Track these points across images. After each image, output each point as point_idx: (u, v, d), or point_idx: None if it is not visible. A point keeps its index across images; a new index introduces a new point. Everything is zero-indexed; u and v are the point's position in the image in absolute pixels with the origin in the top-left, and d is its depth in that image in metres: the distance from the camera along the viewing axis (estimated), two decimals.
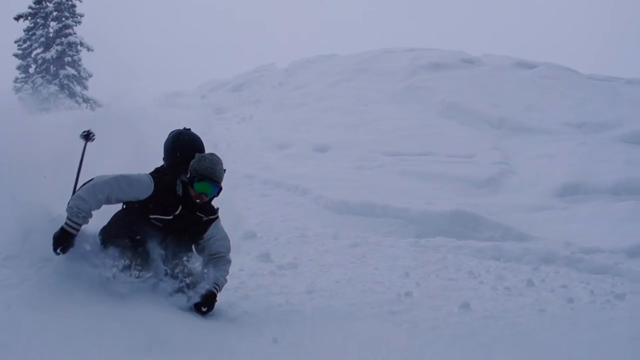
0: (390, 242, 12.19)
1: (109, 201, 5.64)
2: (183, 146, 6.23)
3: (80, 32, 36.62)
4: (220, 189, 5.91)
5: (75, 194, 5.55)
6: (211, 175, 5.78)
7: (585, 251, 12.31)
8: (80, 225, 5.44)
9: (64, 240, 5.36)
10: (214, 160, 5.84)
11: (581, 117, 23.03)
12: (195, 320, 5.72)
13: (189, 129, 6.48)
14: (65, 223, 5.39)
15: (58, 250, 5.36)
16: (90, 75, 36.38)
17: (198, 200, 5.82)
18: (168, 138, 6.34)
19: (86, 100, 35.50)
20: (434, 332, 6.42)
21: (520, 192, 17.22)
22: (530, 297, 8.35)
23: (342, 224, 14.23)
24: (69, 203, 5.49)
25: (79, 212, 5.40)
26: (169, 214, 5.77)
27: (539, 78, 27.95)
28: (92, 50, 36.54)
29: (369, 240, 12.08)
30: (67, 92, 35.36)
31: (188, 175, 5.79)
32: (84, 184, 5.57)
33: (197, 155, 5.91)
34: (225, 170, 5.96)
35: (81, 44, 36.34)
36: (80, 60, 36.34)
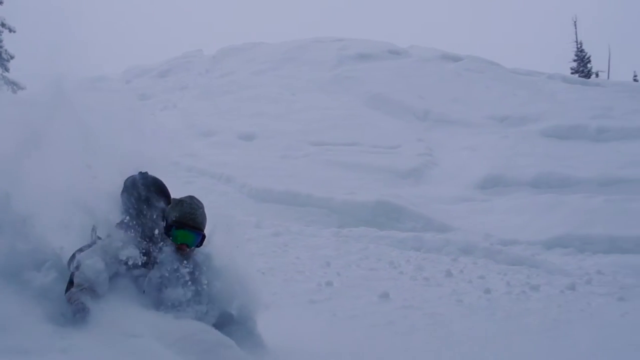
0: (312, 232, 12.23)
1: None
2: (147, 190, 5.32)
3: (2, 12, 35.61)
4: (204, 237, 4.94)
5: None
6: (191, 222, 4.86)
7: (503, 243, 12.56)
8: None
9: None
10: (194, 205, 4.98)
11: (504, 111, 23.40)
12: None
13: (146, 172, 5.43)
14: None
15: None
16: (12, 57, 35.42)
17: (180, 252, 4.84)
18: (126, 186, 5.23)
19: (7, 82, 34.58)
20: (352, 322, 6.47)
21: (442, 183, 17.45)
22: (448, 287, 8.48)
23: (265, 213, 14.21)
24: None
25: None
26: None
27: (463, 71, 28.29)
28: (14, 32, 35.58)
29: (292, 230, 12.09)
30: None
31: (164, 224, 4.92)
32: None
33: (173, 200, 5.11)
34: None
35: (2, 25, 35.38)
36: (1, 41, 35.37)
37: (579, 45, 62.15)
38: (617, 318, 7.69)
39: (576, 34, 61.71)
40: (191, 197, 5.08)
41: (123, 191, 5.21)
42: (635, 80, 63.51)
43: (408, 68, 28.31)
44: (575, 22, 59.91)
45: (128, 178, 5.25)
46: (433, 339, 6.19)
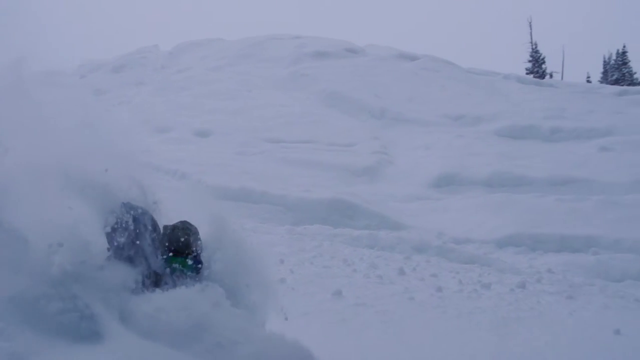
0: (267, 229, 12.22)
1: None
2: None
3: None
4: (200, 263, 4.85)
5: None
6: (183, 249, 4.75)
7: (456, 241, 12.66)
8: None
9: None
10: (187, 230, 4.87)
11: (459, 110, 23.57)
12: None
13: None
14: None
15: None
16: None
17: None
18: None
19: None
20: (305, 319, 6.47)
21: (397, 181, 17.52)
22: (400, 285, 8.53)
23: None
24: None
25: None
26: None
27: (420, 70, 28.43)
28: None
29: (246, 227, 12.02)
30: None
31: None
32: None
33: (164, 226, 4.92)
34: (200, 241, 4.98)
35: None
36: None
37: (534, 46, 62.85)
38: (566, 316, 7.82)
39: (531, 34, 62.33)
40: (184, 222, 4.97)
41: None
42: (588, 81, 64.38)
43: (365, 67, 28.38)
44: (530, 23, 60.50)
45: None
46: (385, 336, 6.24)
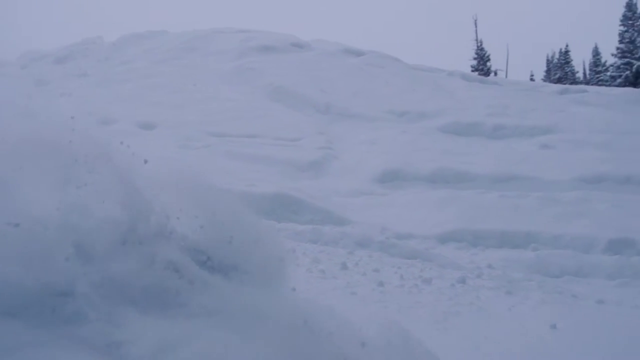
0: None
1: None
2: None
3: None
4: None
5: None
6: None
7: (399, 236, 12.74)
8: None
9: None
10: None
11: (404, 106, 23.71)
12: None
13: None
14: None
15: None
16: None
17: None
18: None
19: None
20: None
21: (342, 177, 17.57)
22: (343, 280, 8.56)
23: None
24: None
25: None
26: None
27: (365, 66, 28.56)
28: None
29: None
30: None
31: None
32: None
33: None
34: None
35: None
36: None
37: (479, 44, 63.54)
38: (505, 311, 7.93)
39: (476, 32, 63.04)
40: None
41: None
42: (532, 79, 65.25)
43: (311, 61, 28.41)
44: (475, 20, 61.17)
45: None
46: None
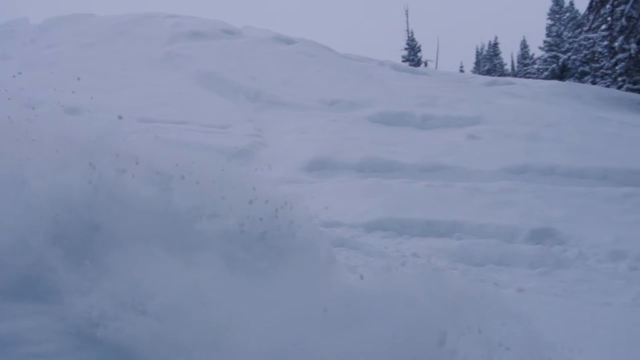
0: None
1: None
2: None
3: None
4: None
5: None
6: None
7: (326, 224, 12.72)
8: None
9: None
10: None
11: (334, 95, 23.74)
12: None
13: None
14: None
15: None
16: None
17: None
18: None
19: None
20: None
21: (271, 164, 17.51)
22: None
23: None
24: None
25: None
26: None
27: (296, 54, 28.52)
28: None
29: None
30: None
31: None
32: None
33: None
34: None
35: None
36: None
37: (410, 35, 63.99)
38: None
39: (407, 23, 63.47)
40: None
41: None
42: (461, 71, 66.05)
43: (241, 48, 28.26)
44: (407, 11, 61.62)
45: None
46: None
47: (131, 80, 23.89)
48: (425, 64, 58.10)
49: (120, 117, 6.46)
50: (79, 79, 15.15)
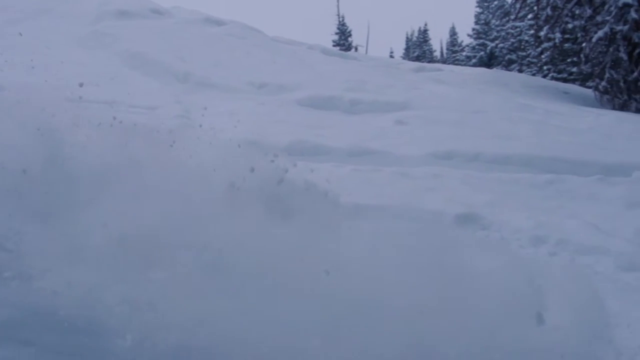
0: None
1: None
2: None
3: None
4: None
5: None
6: None
7: None
8: None
9: None
10: None
11: (263, 78, 23.66)
12: None
13: None
14: None
15: None
16: None
17: None
18: None
19: None
20: None
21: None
22: None
23: None
24: None
25: None
26: None
27: (226, 36, 28.30)
28: None
29: None
30: None
31: None
32: None
33: None
34: None
35: None
36: None
37: (340, 19, 64.15)
38: None
39: (338, 7, 63.65)
40: None
41: None
42: (391, 56, 66.50)
43: (170, 29, 27.90)
44: None
45: None
46: None
47: (56, 59, 23.34)
48: (356, 49, 58.34)
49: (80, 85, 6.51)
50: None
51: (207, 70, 23.81)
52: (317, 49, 30.03)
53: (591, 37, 32.29)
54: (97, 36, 26.42)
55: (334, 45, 59.46)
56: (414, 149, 17.45)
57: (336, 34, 63.08)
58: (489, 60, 56.17)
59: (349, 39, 62.96)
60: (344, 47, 58.13)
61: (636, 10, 30.37)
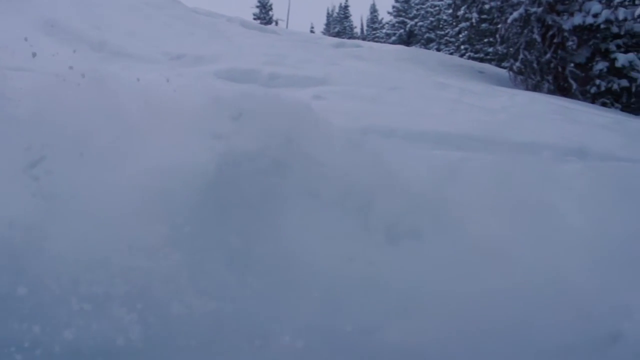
0: None
1: None
2: None
3: None
4: None
5: None
6: None
7: None
8: None
9: None
10: None
11: (180, 49, 23.38)
12: None
13: None
14: None
15: None
16: None
17: None
18: None
19: None
20: None
21: None
22: None
23: None
24: None
25: None
26: None
27: (142, 5, 27.84)
28: None
29: None
30: None
31: None
32: None
33: None
34: None
35: None
36: None
37: None
38: None
39: None
40: None
41: None
42: (312, 31, 66.47)
43: None
44: None
45: None
46: None
47: None
48: (276, 23, 58.05)
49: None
50: None
51: (122, 39, 23.39)
52: (237, 22, 29.80)
53: (506, 18, 32.87)
54: (10, 2, 25.68)
55: (254, 19, 59.12)
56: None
57: (257, 7, 62.74)
58: (408, 38, 56.61)
59: (270, 12, 62.68)
60: (264, 21, 57.82)
61: None
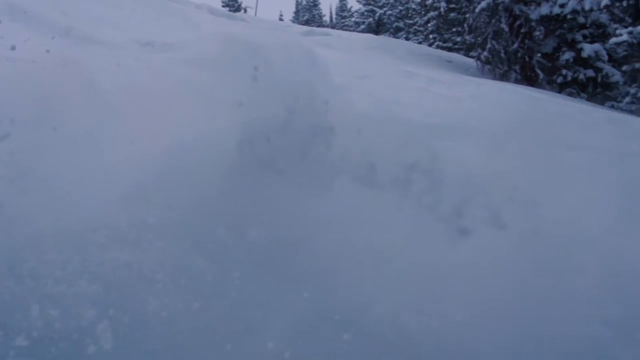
0: None
1: None
2: None
3: None
4: None
5: None
6: None
7: None
8: None
9: None
10: None
11: (149, 36, 23.21)
12: None
13: None
14: None
15: None
16: None
17: None
18: None
19: None
20: None
21: None
22: None
23: None
24: None
25: None
26: None
27: None
28: None
29: None
30: None
31: None
32: None
33: None
34: None
35: None
36: None
37: None
38: None
39: None
40: None
41: None
42: (281, 19, 66.43)
43: None
44: None
45: None
46: None
47: None
48: (245, 11, 57.89)
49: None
50: None
51: (90, 25, 23.14)
52: (205, 9, 29.69)
53: (475, 8, 33.09)
54: None
55: (223, 6, 58.86)
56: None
57: None
58: (377, 27, 56.68)
59: (239, 0, 62.43)
60: (233, 9, 57.59)
61: None
